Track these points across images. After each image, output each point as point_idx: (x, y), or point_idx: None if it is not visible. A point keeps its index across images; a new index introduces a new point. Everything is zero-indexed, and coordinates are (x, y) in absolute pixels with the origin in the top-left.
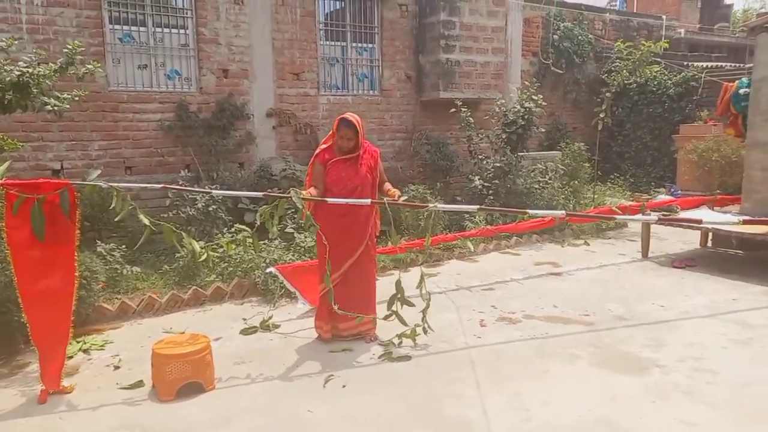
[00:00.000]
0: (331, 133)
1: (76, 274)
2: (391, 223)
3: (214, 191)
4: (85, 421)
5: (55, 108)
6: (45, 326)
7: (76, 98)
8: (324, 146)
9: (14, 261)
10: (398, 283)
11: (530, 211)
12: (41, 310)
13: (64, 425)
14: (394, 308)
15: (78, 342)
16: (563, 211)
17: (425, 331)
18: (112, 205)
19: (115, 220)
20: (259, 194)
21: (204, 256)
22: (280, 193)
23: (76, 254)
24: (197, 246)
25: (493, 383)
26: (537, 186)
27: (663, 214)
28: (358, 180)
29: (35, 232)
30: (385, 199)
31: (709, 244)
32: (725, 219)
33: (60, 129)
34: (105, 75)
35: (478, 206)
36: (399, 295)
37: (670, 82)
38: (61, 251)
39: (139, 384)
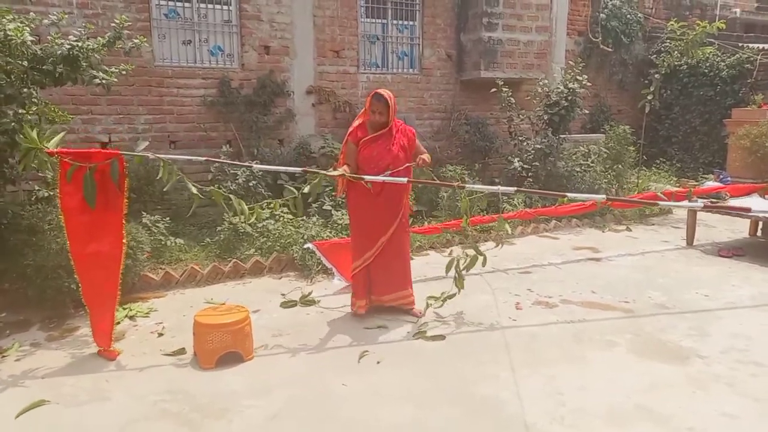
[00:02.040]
0: (363, 110)
1: (124, 240)
2: (469, 207)
3: (255, 165)
4: (131, 385)
5: (104, 81)
6: (95, 287)
7: (124, 72)
8: (357, 123)
9: (67, 226)
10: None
11: (569, 195)
12: (91, 272)
13: (110, 387)
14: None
15: (124, 309)
16: (603, 196)
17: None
18: (159, 176)
19: (164, 189)
20: (298, 170)
21: (253, 217)
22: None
23: (124, 221)
24: (245, 207)
25: (527, 366)
26: (579, 169)
27: (711, 201)
28: (390, 158)
29: (87, 200)
30: (421, 168)
31: (759, 233)
32: None
33: (108, 103)
34: (151, 50)
35: (515, 188)
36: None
37: (723, 63)
38: (110, 218)
39: (182, 351)
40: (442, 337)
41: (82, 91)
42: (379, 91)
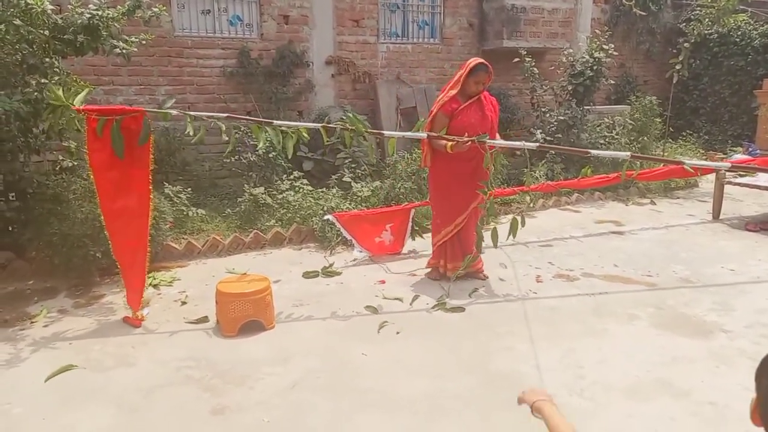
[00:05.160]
0: (455, 80)
1: (151, 196)
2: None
3: (275, 122)
4: (155, 351)
5: (124, 51)
6: (124, 243)
7: (143, 42)
8: (452, 93)
9: (96, 182)
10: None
11: (593, 152)
12: (120, 226)
13: (136, 353)
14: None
15: (148, 277)
16: (628, 153)
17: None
18: (187, 131)
19: (192, 142)
20: (318, 125)
21: (293, 141)
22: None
23: (150, 177)
24: (279, 136)
25: (546, 339)
26: (603, 141)
27: (739, 174)
28: (487, 125)
29: (115, 150)
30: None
31: None
32: None
33: (129, 73)
34: (170, 20)
35: (537, 144)
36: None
37: (755, 32)
38: (137, 174)
39: (204, 319)
40: (461, 309)
41: (103, 61)
42: (480, 61)
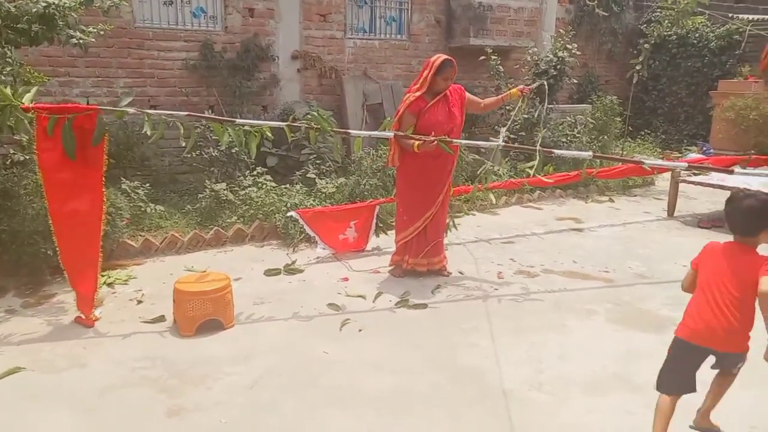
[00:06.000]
0: (422, 80)
1: (105, 199)
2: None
3: (238, 120)
4: (109, 351)
5: (81, 41)
6: (74, 249)
7: (102, 32)
8: (418, 94)
9: (45, 184)
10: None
11: (556, 151)
12: (71, 232)
13: (88, 354)
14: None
15: (102, 276)
16: (590, 152)
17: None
18: (144, 129)
19: (149, 142)
20: (282, 124)
21: (256, 141)
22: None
23: (104, 179)
24: (242, 136)
25: (508, 334)
26: (564, 140)
27: (693, 173)
28: (453, 122)
29: (66, 151)
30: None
31: None
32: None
33: (86, 65)
34: (131, 10)
35: (503, 143)
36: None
37: (712, 34)
38: (90, 174)
39: (161, 319)
40: (424, 306)
41: (59, 52)
42: (445, 57)
